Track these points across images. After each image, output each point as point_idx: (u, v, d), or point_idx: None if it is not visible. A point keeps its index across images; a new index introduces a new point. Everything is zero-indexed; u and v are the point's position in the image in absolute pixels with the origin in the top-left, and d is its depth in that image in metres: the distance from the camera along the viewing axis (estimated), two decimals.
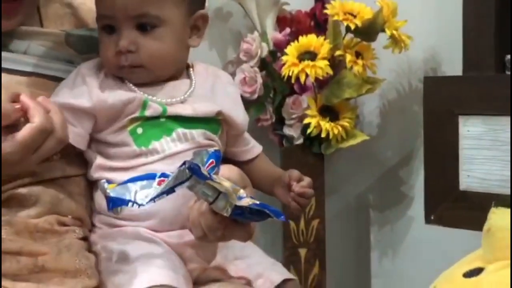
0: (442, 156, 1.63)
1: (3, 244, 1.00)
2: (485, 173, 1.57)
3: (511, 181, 1.48)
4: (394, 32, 1.63)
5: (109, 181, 0.97)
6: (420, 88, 1.70)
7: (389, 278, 1.92)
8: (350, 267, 1.99)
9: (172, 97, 1.10)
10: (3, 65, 1.07)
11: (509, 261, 0.86)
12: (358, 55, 1.66)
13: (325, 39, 1.65)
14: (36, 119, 0.94)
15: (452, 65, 1.69)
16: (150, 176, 0.94)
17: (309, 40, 1.65)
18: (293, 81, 1.64)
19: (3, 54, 1.08)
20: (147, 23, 1.06)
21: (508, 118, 1.50)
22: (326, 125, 1.65)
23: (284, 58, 1.65)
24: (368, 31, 1.64)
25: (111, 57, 1.08)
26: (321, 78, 1.62)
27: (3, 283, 0.99)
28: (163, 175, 0.93)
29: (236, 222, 0.95)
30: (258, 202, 0.92)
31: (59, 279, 1.02)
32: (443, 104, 1.62)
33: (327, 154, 1.73)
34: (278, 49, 1.73)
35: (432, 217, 1.64)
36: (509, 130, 1.50)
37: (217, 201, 0.91)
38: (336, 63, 1.67)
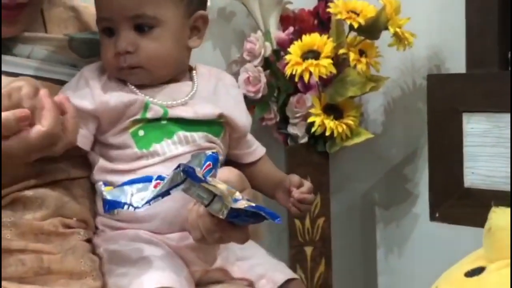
0: (447, 154, 1.63)
1: (7, 244, 1.01)
2: (489, 170, 1.57)
3: (511, 180, 1.48)
4: (398, 29, 1.63)
5: (106, 184, 0.97)
6: (424, 86, 1.70)
7: (396, 275, 1.92)
8: (356, 265, 1.99)
9: (173, 99, 1.10)
10: (7, 69, 1.08)
11: (509, 261, 0.86)
12: (361, 53, 1.66)
13: (328, 37, 1.65)
14: (47, 122, 0.94)
15: (456, 62, 1.68)
16: (147, 179, 0.94)
17: (313, 39, 1.65)
18: (297, 80, 1.64)
19: (7, 58, 1.09)
20: (145, 24, 1.07)
21: None
22: (330, 123, 1.65)
23: (287, 57, 1.65)
24: (372, 29, 1.64)
25: (110, 58, 1.08)
26: (325, 76, 1.62)
27: (10, 286, 1.00)
28: (160, 177, 0.93)
29: (233, 225, 0.95)
30: (254, 204, 0.92)
31: (65, 281, 1.03)
32: (447, 102, 1.62)
33: (331, 153, 1.73)
34: (282, 48, 1.73)
35: (437, 215, 1.64)
36: None
37: (212, 203, 0.91)
38: (339, 62, 1.67)
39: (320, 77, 1.63)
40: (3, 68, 1.08)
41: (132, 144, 1.08)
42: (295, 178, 1.17)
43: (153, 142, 1.08)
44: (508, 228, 0.87)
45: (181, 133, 1.09)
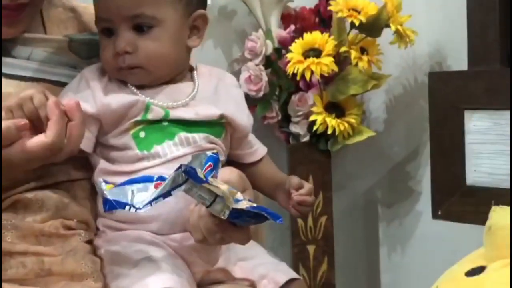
0: (449, 151, 1.63)
1: (8, 246, 1.01)
2: (491, 168, 1.57)
3: (511, 179, 1.48)
4: (399, 27, 1.63)
5: (107, 182, 0.97)
6: (426, 83, 1.70)
7: (398, 273, 1.92)
8: (359, 263, 1.99)
9: (174, 101, 1.10)
10: (7, 71, 1.08)
11: (510, 260, 0.86)
12: (363, 51, 1.66)
13: (329, 35, 1.65)
14: (51, 133, 0.94)
15: (458, 59, 1.68)
16: (147, 179, 0.94)
17: (314, 37, 1.65)
18: (298, 78, 1.64)
19: (7, 60, 1.09)
20: (143, 24, 1.07)
21: None
22: (332, 121, 1.65)
23: (289, 55, 1.65)
24: (373, 27, 1.64)
25: (109, 59, 1.08)
26: (326, 74, 1.63)
27: None
28: (160, 178, 0.93)
29: (235, 225, 0.95)
30: (255, 205, 0.92)
31: (66, 283, 1.03)
32: (448, 99, 1.62)
33: (333, 151, 1.73)
34: (283, 46, 1.73)
35: (439, 212, 1.63)
36: None
37: (214, 204, 0.91)
38: (341, 60, 1.67)
39: (321, 75, 1.63)
40: (2, 70, 1.07)
41: (133, 145, 1.08)
42: (294, 179, 1.16)
43: (154, 144, 1.07)
44: (508, 227, 0.87)
45: (182, 135, 1.09)
